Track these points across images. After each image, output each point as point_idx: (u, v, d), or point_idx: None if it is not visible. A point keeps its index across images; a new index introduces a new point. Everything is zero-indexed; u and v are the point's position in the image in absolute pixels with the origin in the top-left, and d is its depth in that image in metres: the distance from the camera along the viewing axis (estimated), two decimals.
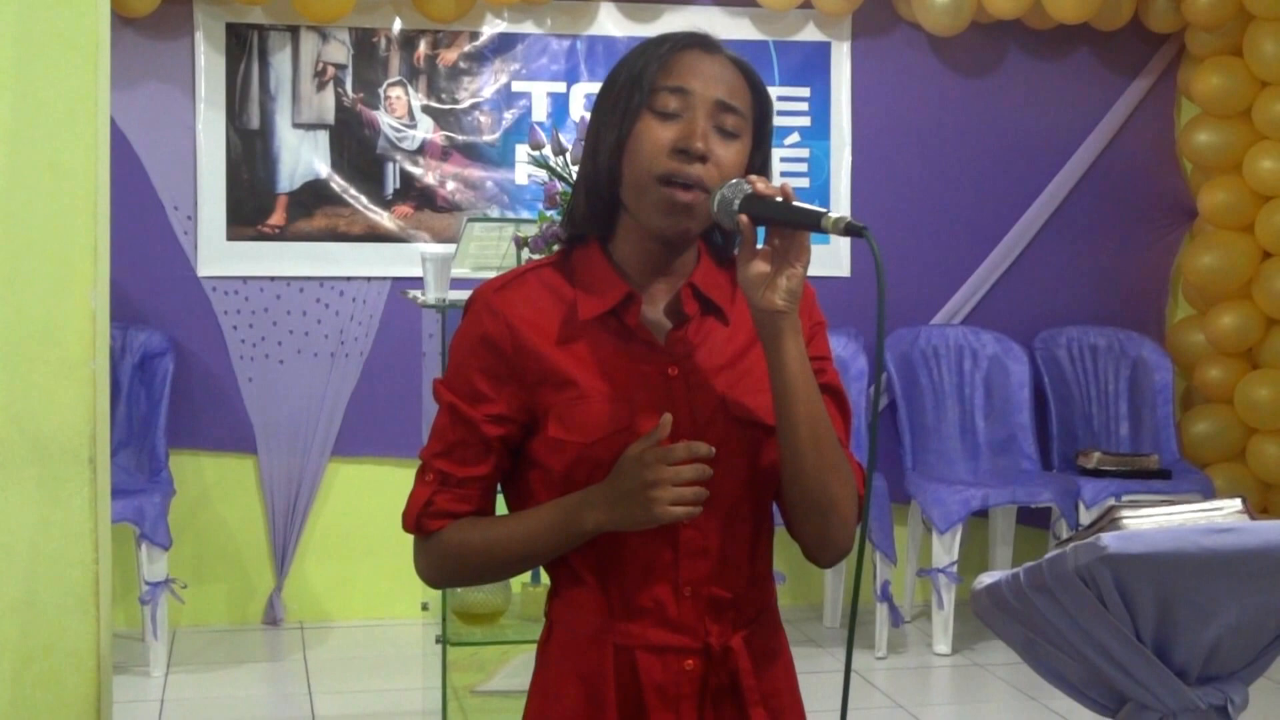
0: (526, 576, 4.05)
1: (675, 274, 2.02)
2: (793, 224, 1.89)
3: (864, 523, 1.96)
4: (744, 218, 1.90)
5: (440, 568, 2.06)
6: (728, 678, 2.01)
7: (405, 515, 2.05)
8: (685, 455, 1.88)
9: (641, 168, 1.96)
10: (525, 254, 3.97)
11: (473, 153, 6.02)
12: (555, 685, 2.03)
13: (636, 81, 1.99)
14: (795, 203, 1.89)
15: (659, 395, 1.97)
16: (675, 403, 1.97)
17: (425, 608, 4.57)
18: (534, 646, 2.13)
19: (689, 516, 1.90)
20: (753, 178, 1.93)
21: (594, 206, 2.03)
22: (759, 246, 1.92)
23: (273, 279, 5.89)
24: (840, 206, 6.26)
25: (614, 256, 2.03)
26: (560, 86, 6.04)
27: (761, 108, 2.03)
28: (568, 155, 3.88)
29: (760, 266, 1.91)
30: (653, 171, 1.95)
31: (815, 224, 1.86)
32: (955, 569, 5.63)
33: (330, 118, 5.91)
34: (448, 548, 2.03)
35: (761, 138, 2.04)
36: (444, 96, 5.99)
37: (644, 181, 1.96)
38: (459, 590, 4.04)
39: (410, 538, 2.07)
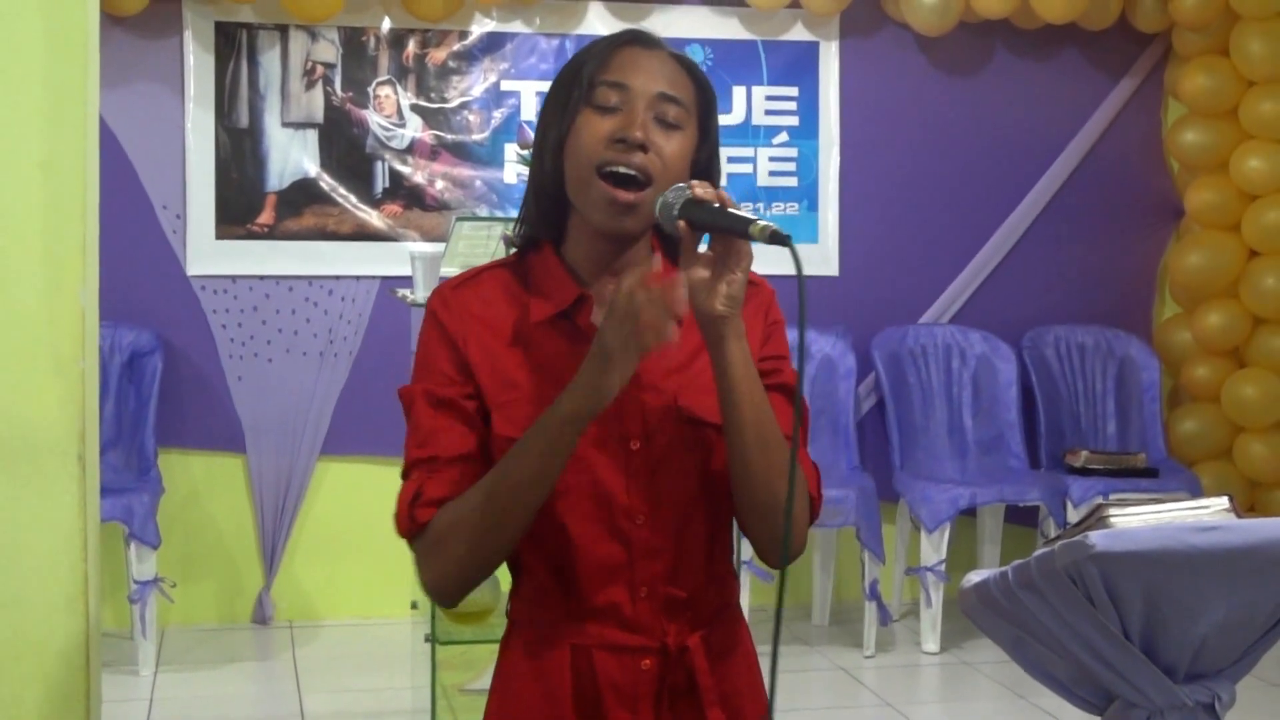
0: None
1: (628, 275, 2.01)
2: (725, 229, 1.88)
3: (787, 525, 1.91)
4: (683, 223, 1.90)
5: (441, 555, 1.95)
6: (685, 677, 2.01)
7: (397, 518, 1.99)
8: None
9: (582, 161, 1.96)
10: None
11: (461, 152, 6.02)
12: (514, 684, 2.04)
13: (576, 79, 2.01)
14: (731, 209, 1.89)
15: None
16: (625, 405, 1.96)
17: (414, 606, 4.57)
18: None
19: (668, 339, 1.84)
20: (694, 183, 1.93)
21: (543, 208, 2.03)
22: (701, 251, 1.92)
23: (262, 278, 5.89)
24: (828, 206, 6.27)
25: (566, 258, 2.03)
26: (549, 86, 6.03)
27: (705, 101, 2.03)
28: None
29: (701, 271, 1.90)
30: (592, 161, 1.95)
31: (744, 231, 1.86)
32: (943, 567, 5.64)
33: (319, 117, 5.91)
34: (442, 530, 1.94)
35: (706, 131, 2.04)
36: (433, 95, 5.99)
37: (585, 174, 1.96)
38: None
39: (402, 540, 2.03)
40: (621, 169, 1.94)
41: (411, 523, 1.98)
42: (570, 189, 1.99)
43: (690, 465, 1.99)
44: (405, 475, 2.01)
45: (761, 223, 1.85)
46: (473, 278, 2.05)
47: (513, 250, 2.12)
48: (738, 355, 1.91)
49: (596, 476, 1.97)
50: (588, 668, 1.99)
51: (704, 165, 2.03)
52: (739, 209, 1.89)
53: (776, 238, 1.84)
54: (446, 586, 1.98)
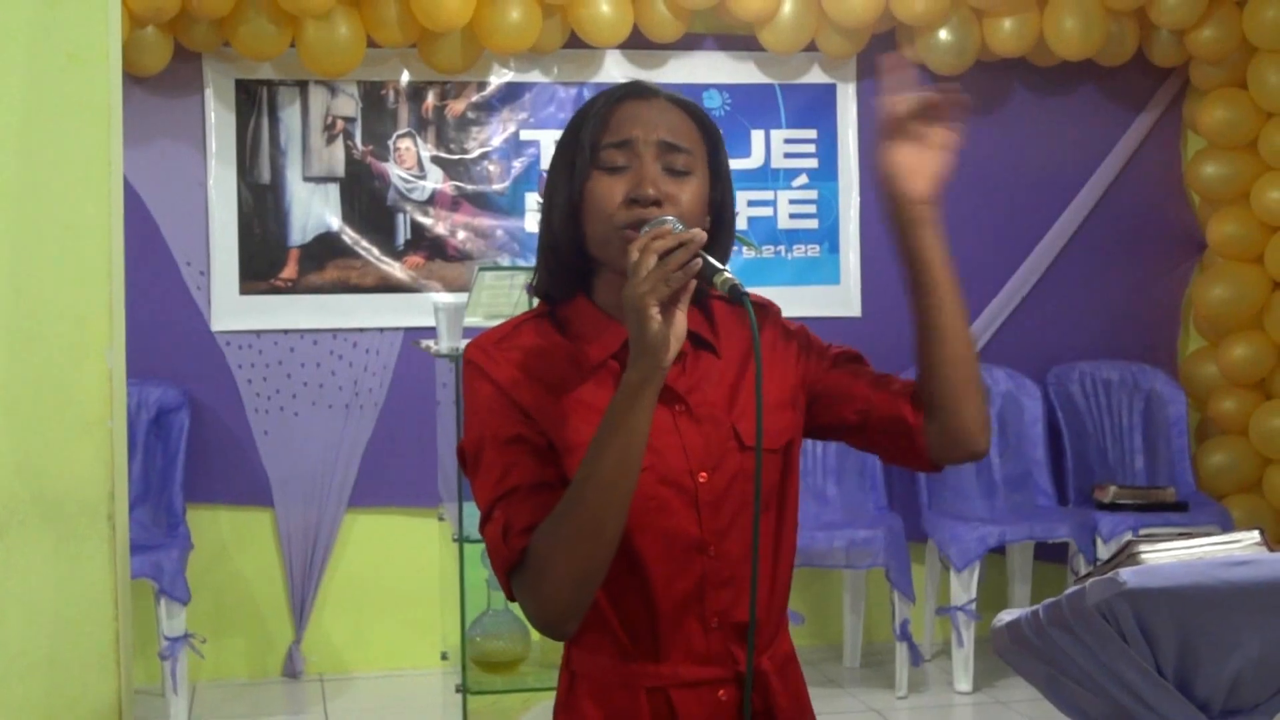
0: None
1: None
2: (702, 272, 1.88)
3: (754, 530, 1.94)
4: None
5: (545, 579, 1.88)
6: (760, 701, 2.02)
7: (493, 555, 1.94)
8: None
9: (602, 224, 1.98)
10: (537, 302, 3.99)
11: (482, 202, 6.05)
12: None
13: (579, 143, 2.02)
14: (707, 258, 1.90)
15: (668, 433, 1.98)
16: (686, 439, 1.99)
17: (445, 657, 4.57)
18: (554, 694, 2.11)
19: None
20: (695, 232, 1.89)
21: (555, 271, 2.04)
22: (898, 136, 2.01)
23: (286, 332, 5.91)
24: (850, 247, 6.27)
25: (600, 304, 2.04)
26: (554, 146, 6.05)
27: (711, 141, 2.06)
28: None
29: (906, 154, 2.02)
30: (614, 224, 1.96)
31: (709, 278, 1.89)
32: (974, 606, 5.62)
33: (340, 170, 5.94)
34: (541, 552, 1.88)
35: (717, 171, 2.06)
36: (453, 147, 6.02)
37: (608, 235, 1.97)
38: (478, 638, 4.04)
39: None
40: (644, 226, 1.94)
41: (509, 551, 1.91)
42: (594, 249, 2.01)
43: (752, 492, 1.98)
44: (487, 518, 1.95)
45: (726, 275, 1.89)
46: (509, 333, 2.05)
47: (535, 301, 2.12)
48: (938, 242, 2.06)
49: (668, 513, 1.97)
50: (666, 709, 1.99)
51: (719, 204, 2.06)
52: (711, 260, 1.90)
53: (734, 293, 1.88)
54: (556, 610, 1.90)
